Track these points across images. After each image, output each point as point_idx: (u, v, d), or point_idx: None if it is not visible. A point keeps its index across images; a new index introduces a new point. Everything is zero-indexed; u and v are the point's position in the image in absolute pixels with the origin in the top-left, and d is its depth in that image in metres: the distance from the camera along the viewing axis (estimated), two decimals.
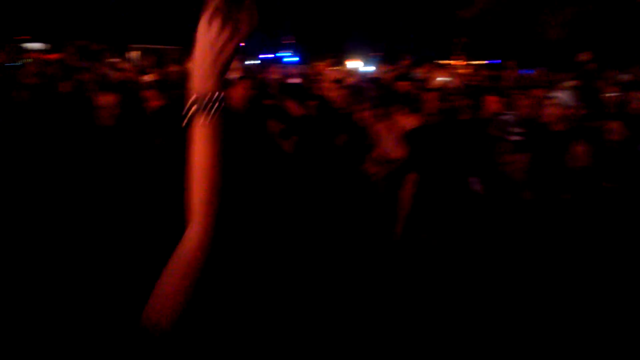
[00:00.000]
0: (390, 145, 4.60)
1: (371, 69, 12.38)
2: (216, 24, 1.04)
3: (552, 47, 17.24)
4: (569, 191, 3.96)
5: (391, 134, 4.64)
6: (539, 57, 14.12)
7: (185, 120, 1.06)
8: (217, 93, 1.05)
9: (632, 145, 4.27)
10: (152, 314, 1.07)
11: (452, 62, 13.29)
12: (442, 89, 6.28)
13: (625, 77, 7.89)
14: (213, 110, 1.05)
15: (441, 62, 12.76)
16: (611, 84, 7.03)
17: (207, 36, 1.05)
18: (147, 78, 6.82)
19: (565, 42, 16.93)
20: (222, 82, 1.07)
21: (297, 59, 18.21)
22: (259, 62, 16.14)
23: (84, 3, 19.77)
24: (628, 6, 17.12)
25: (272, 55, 22.34)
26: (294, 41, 23.99)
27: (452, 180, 4.29)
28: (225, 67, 1.08)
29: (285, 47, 23.38)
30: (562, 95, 4.31)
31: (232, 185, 1.13)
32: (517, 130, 4.43)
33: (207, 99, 1.04)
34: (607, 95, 6.18)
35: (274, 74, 8.27)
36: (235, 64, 5.35)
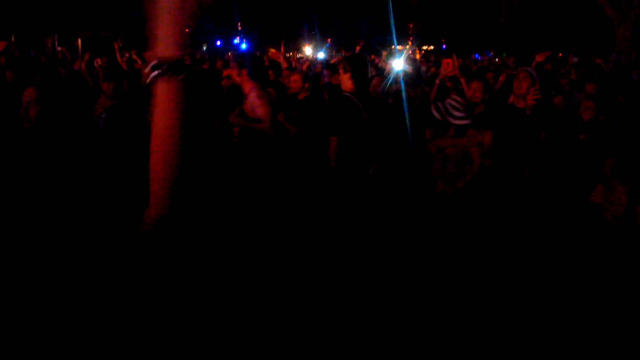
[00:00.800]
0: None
1: (322, 55, 12.36)
2: None
3: (501, 32, 17.64)
4: (529, 167, 4.02)
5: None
6: (490, 41, 14.42)
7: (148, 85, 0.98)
8: (179, 57, 0.98)
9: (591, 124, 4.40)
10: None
11: (406, 47, 13.42)
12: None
13: (575, 59, 8.15)
14: (175, 75, 0.97)
15: (397, 47, 12.86)
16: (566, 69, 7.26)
17: None
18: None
19: (514, 27, 17.34)
20: (184, 46, 1.00)
21: (244, 46, 17.94)
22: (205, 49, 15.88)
23: None
24: None
25: (221, 44, 22.03)
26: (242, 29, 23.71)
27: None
28: (186, 31, 1.00)
29: (236, 35, 23.08)
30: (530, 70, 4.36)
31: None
32: (459, 114, 4.48)
33: (168, 63, 0.97)
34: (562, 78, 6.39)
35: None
36: None
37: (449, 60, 5.94)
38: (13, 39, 10.57)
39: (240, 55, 6.81)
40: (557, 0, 17.96)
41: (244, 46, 18.45)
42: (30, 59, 8.99)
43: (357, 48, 9.31)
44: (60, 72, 6.31)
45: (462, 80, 5.47)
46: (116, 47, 7.69)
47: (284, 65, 7.27)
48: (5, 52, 7.97)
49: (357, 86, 4.07)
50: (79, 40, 13.63)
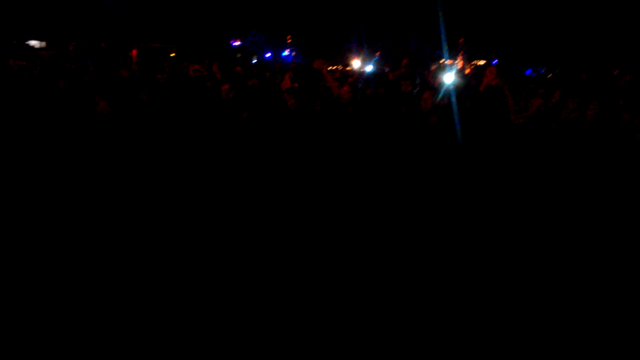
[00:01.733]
0: None
1: (370, 68, 12.32)
2: None
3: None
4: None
5: None
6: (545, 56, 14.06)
7: None
8: None
9: None
10: None
11: (456, 62, 13.25)
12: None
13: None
14: None
15: (447, 61, 12.72)
16: None
17: None
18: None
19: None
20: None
21: (296, 58, 18.09)
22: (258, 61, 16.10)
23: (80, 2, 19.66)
24: None
25: (271, 55, 22.32)
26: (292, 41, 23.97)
27: None
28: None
29: (286, 47, 23.36)
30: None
31: None
32: None
33: None
34: None
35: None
36: None
37: (492, 69, 5.97)
38: (72, 47, 10.99)
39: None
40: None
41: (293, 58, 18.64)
42: (87, 67, 9.30)
43: (404, 62, 9.22)
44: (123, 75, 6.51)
45: (507, 92, 5.34)
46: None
47: (330, 77, 7.26)
48: (61, 60, 8.29)
49: None
50: (134, 51, 14.09)
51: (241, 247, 3.91)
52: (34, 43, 13.92)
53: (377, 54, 16.09)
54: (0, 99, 5.28)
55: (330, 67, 9.58)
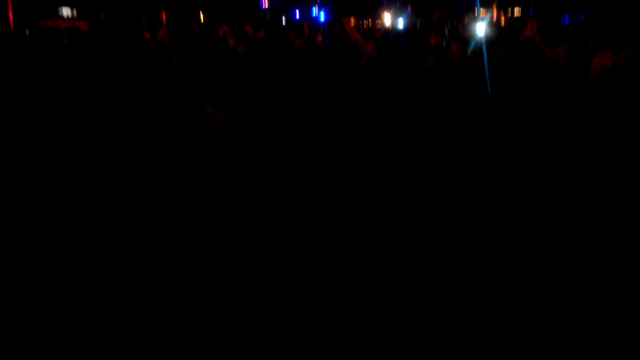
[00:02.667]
0: None
1: (402, 22, 12.02)
2: None
3: None
4: None
5: None
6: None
7: None
8: None
9: None
10: None
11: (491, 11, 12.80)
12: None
13: None
14: None
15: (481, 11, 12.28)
16: None
17: None
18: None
19: None
20: None
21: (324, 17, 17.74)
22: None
23: None
24: None
25: (300, 15, 21.97)
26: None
27: None
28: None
29: (314, 6, 22.93)
30: None
31: None
32: None
33: None
34: None
35: None
36: None
37: (534, 22, 5.69)
38: (102, 15, 11.06)
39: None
40: None
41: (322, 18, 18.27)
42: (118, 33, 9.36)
43: (435, 14, 8.94)
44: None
45: (542, 45, 5.14)
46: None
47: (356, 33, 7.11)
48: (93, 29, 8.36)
49: None
50: (164, 13, 14.05)
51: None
52: (65, 11, 14.06)
53: (409, 8, 15.63)
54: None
55: (358, 24, 9.38)
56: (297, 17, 23.35)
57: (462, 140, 4.32)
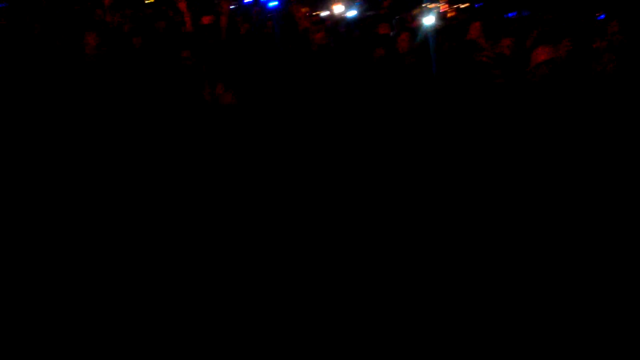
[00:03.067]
0: None
1: (353, 13, 12.03)
2: None
3: None
4: None
5: None
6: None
7: None
8: None
9: None
10: None
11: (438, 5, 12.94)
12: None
13: None
14: None
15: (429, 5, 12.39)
16: None
17: None
18: None
19: None
20: None
21: (276, 3, 17.58)
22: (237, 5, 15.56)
23: None
24: None
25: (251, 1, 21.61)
26: None
27: None
28: None
29: None
30: None
31: None
32: None
33: None
34: None
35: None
36: None
37: (477, 25, 5.94)
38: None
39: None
40: None
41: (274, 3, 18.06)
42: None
43: (384, 4, 9.01)
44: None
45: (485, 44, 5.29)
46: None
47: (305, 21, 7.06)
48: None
49: None
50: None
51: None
52: None
53: None
54: None
55: (308, 12, 9.31)
56: (248, 1, 23.00)
57: (409, 130, 4.37)
